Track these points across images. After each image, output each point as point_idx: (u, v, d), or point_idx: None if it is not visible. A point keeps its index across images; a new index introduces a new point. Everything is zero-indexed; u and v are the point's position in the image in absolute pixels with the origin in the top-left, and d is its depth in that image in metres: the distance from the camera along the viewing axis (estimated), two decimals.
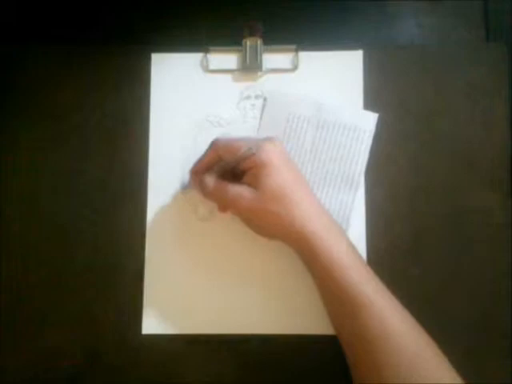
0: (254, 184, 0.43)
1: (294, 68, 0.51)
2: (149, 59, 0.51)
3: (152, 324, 0.47)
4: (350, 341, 0.42)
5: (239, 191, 0.43)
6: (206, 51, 0.51)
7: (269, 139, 0.44)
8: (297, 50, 0.51)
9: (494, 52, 0.51)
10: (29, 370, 0.47)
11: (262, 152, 0.43)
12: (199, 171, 0.46)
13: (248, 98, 0.51)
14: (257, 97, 0.51)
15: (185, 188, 0.49)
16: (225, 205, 0.46)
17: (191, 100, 0.51)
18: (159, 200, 0.49)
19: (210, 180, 0.45)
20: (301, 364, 0.47)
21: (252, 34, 0.51)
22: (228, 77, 0.51)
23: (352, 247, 0.43)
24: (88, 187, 0.50)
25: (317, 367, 0.47)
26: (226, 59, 0.51)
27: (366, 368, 0.40)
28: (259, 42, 0.50)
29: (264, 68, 0.51)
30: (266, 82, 0.51)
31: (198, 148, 0.50)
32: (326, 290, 0.43)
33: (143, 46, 0.51)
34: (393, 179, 0.49)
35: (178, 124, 0.51)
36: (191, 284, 0.48)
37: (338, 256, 0.41)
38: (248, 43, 0.50)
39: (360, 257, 0.43)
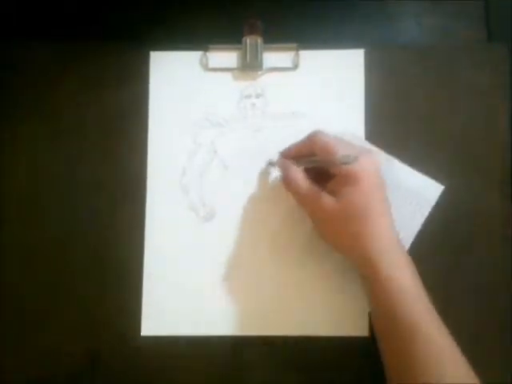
0: (338, 193, 0.42)
1: (295, 67, 0.51)
2: (147, 57, 0.51)
3: (151, 325, 0.47)
4: (400, 371, 0.41)
5: (320, 197, 0.42)
6: (206, 49, 0.51)
7: (369, 152, 0.43)
8: (297, 49, 0.50)
9: (495, 52, 0.50)
10: (29, 370, 0.47)
11: (359, 165, 0.41)
12: (288, 156, 0.45)
13: (248, 96, 0.51)
14: (257, 96, 0.50)
15: (271, 163, 0.48)
16: (303, 203, 0.45)
17: (190, 99, 0.51)
18: (159, 200, 0.49)
19: (295, 172, 0.44)
20: (301, 365, 0.47)
21: (252, 33, 0.50)
22: (228, 75, 0.51)
23: (414, 274, 0.41)
24: (87, 187, 0.49)
25: (318, 368, 0.47)
26: (225, 57, 0.51)
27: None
28: (259, 40, 0.50)
29: (264, 67, 0.50)
30: (266, 81, 0.51)
31: (197, 147, 0.50)
32: (383, 318, 0.42)
33: (142, 43, 0.51)
34: None
35: (177, 123, 0.50)
36: (191, 285, 0.48)
37: (403, 284, 0.40)
38: (248, 41, 0.50)
39: (421, 285, 0.41)
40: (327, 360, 0.47)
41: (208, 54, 0.51)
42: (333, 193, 0.42)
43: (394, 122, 0.50)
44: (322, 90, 0.50)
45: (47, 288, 0.48)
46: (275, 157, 0.48)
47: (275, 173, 0.49)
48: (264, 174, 0.49)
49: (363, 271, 0.43)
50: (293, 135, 0.49)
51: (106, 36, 0.52)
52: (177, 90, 0.51)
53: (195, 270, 0.48)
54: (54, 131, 0.50)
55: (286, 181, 0.45)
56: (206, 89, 0.51)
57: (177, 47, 0.51)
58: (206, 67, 0.51)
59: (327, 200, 0.42)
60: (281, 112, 0.50)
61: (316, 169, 0.45)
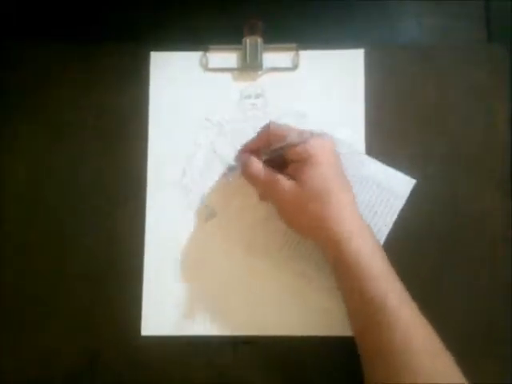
0: (297, 177, 0.42)
1: (295, 67, 0.51)
2: (148, 57, 0.51)
3: (151, 325, 0.47)
4: (370, 352, 0.41)
5: (280, 181, 0.43)
6: (206, 50, 0.51)
7: (320, 134, 0.43)
8: (297, 49, 0.51)
9: (494, 52, 0.50)
10: (29, 370, 0.47)
11: (310, 146, 0.42)
12: (247, 151, 0.46)
13: (248, 97, 0.51)
14: (257, 96, 0.50)
15: (229, 170, 0.49)
16: (264, 191, 0.45)
17: (190, 99, 0.51)
18: (159, 200, 0.49)
19: (255, 162, 0.44)
20: (301, 365, 0.47)
21: (252, 33, 0.50)
22: (228, 76, 0.51)
23: (381, 253, 0.41)
24: (87, 187, 0.49)
25: (318, 368, 0.47)
26: (225, 58, 0.51)
27: (384, 380, 0.39)
28: (259, 40, 0.50)
29: (264, 67, 0.50)
30: (266, 81, 0.51)
31: (197, 147, 0.50)
32: (350, 299, 0.42)
33: (142, 44, 0.51)
34: None
35: (178, 123, 0.50)
36: (191, 285, 0.48)
37: (365, 263, 0.40)
38: (248, 42, 0.50)
39: (388, 263, 0.41)
40: (326, 360, 0.47)
41: (208, 54, 0.51)
42: (292, 177, 0.43)
43: (394, 122, 0.50)
44: (321, 90, 0.50)
45: (47, 288, 0.48)
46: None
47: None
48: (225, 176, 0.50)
49: (329, 253, 0.43)
50: None
51: (106, 36, 0.52)
52: (177, 90, 0.51)
53: (195, 270, 0.48)
54: (54, 131, 0.50)
55: (246, 173, 0.45)
56: (206, 89, 0.51)
57: (177, 48, 0.51)
58: (206, 67, 0.51)
59: (286, 183, 0.42)
60: (281, 112, 0.50)
61: (276, 161, 0.45)
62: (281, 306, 0.47)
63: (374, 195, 0.48)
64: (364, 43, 0.51)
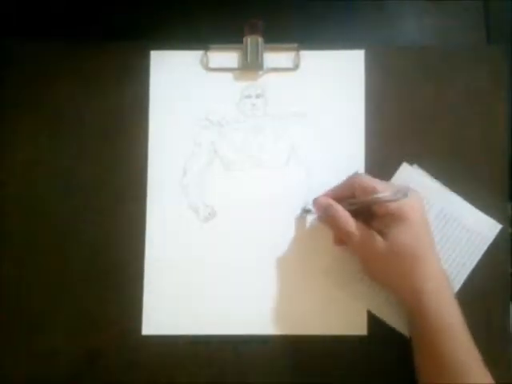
0: (386, 233, 0.42)
1: (296, 67, 0.50)
2: (148, 56, 0.51)
3: (152, 325, 0.47)
4: None
5: (369, 237, 0.42)
6: (207, 49, 0.51)
7: (411, 192, 0.42)
8: (298, 49, 0.50)
9: (494, 53, 0.51)
10: (29, 370, 0.47)
11: (404, 204, 0.41)
12: (328, 197, 0.45)
13: (248, 96, 0.50)
14: (257, 96, 0.50)
15: (304, 212, 0.48)
16: (349, 244, 0.44)
17: (191, 98, 0.51)
18: (159, 200, 0.49)
19: (342, 212, 0.43)
20: (301, 365, 0.47)
21: (253, 33, 0.50)
22: (228, 75, 0.51)
23: (458, 310, 0.42)
24: (87, 187, 0.49)
25: (317, 367, 0.47)
26: (226, 57, 0.51)
27: None
28: (260, 40, 0.50)
29: (265, 67, 0.50)
30: (266, 81, 0.51)
31: (197, 147, 0.50)
32: (426, 355, 0.42)
33: (142, 43, 0.51)
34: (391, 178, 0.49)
35: (178, 122, 0.50)
36: (191, 284, 0.48)
37: (449, 323, 0.41)
38: (249, 41, 0.50)
39: (466, 327, 0.41)
40: (326, 359, 0.47)
41: (209, 53, 0.51)
42: (379, 232, 0.42)
43: (394, 122, 0.50)
44: (322, 90, 0.50)
45: (47, 288, 0.48)
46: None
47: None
48: (299, 220, 0.49)
49: (409, 307, 0.43)
50: (293, 135, 0.50)
51: (107, 35, 0.51)
52: (177, 89, 0.51)
53: (195, 270, 0.48)
54: (54, 131, 0.50)
55: (329, 217, 0.44)
56: (207, 89, 0.51)
57: (177, 47, 0.51)
58: (206, 67, 0.51)
59: (376, 239, 0.42)
60: (281, 112, 0.50)
61: (355, 211, 0.44)
62: (281, 305, 0.48)
63: (460, 235, 0.47)
64: (364, 44, 0.50)
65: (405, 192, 0.41)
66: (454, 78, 0.50)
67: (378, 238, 0.42)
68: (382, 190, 0.42)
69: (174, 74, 0.51)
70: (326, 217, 0.45)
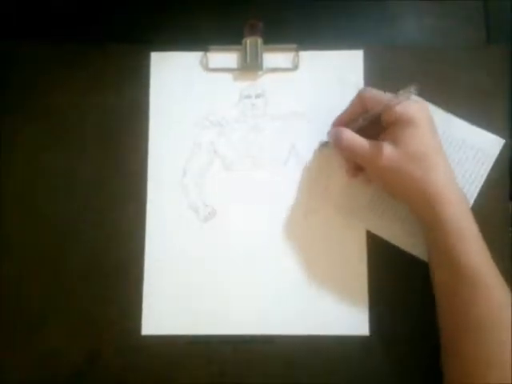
0: (395, 140, 0.42)
1: (295, 67, 0.51)
2: (148, 58, 0.51)
3: (152, 325, 0.47)
4: (458, 329, 0.41)
5: (379, 147, 0.42)
6: (206, 50, 0.51)
7: (417, 100, 0.43)
8: (297, 50, 0.51)
9: (494, 53, 0.51)
10: (29, 370, 0.47)
11: (410, 108, 0.42)
12: (340, 123, 0.46)
13: (248, 97, 0.51)
14: (257, 96, 0.51)
15: (322, 145, 0.49)
16: (360, 161, 0.45)
17: (191, 99, 0.51)
18: (159, 200, 0.49)
19: (348, 133, 0.44)
20: (301, 364, 0.47)
21: (252, 33, 0.50)
22: (228, 76, 0.51)
23: (473, 219, 0.42)
24: (87, 187, 0.49)
25: (318, 367, 0.47)
26: (226, 58, 0.51)
27: (471, 361, 0.39)
28: (259, 41, 0.50)
29: (264, 67, 0.50)
30: (266, 82, 0.51)
31: (197, 147, 0.50)
32: (444, 267, 0.42)
33: (142, 44, 0.51)
34: None
35: (178, 123, 0.50)
36: (191, 284, 0.48)
37: (465, 228, 0.41)
38: (248, 42, 0.50)
39: (478, 230, 0.42)
40: (327, 359, 0.47)
41: (208, 54, 0.51)
42: (389, 141, 0.43)
43: None
44: (321, 90, 0.50)
45: (47, 288, 0.48)
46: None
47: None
48: (318, 153, 0.50)
49: (425, 217, 0.43)
50: (293, 135, 0.50)
51: (107, 36, 0.52)
52: (177, 90, 0.51)
53: (195, 269, 0.48)
54: (54, 131, 0.50)
55: (341, 146, 0.45)
56: (207, 89, 0.51)
57: (177, 48, 0.51)
58: (206, 68, 0.51)
59: (388, 147, 0.42)
60: (281, 112, 0.50)
61: (367, 131, 0.45)
62: (281, 305, 0.48)
63: (465, 155, 0.48)
64: (364, 44, 0.51)
65: (409, 93, 0.42)
66: (453, 78, 0.50)
67: (390, 147, 0.42)
68: (391, 97, 0.43)
69: (174, 75, 0.51)
70: (339, 145, 0.45)
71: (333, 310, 0.47)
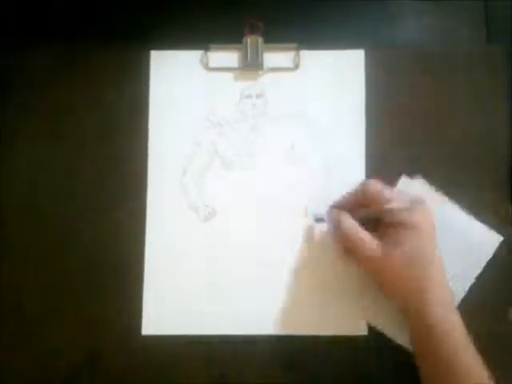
0: (394, 241, 0.42)
1: (295, 67, 0.50)
2: (148, 56, 0.51)
3: (152, 325, 0.47)
4: None
5: (382, 247, 0.42)
6: (207, 49, 0.51)
7: (422, 203, 0.43)
8: (298, 49, 0.50)
9: (494, 53, 0.51)
10: (29, 370, 0.47)
11: (415, 213, 0.42)
12: (339, 207, 0.45)
13: (249, 96, 0.50)
14: (257, 96, 0.50)
15: (317, 221, 0.48)
16: (356, 254, 0.43)
17: (191, 98, 0.51)
18: (159, 200, 0.49)
19: (349, 220, 0.43)
20: (301, 364, 0.47)
21: (253, 32, 0.50)
22: (228, 75, 0.51)
23: (460, 321, 0.42)
24: (87, 187, 0.49)
25: (317, 367, 0.47)
26: (226, 57, 0.51)
27: None
28: (260, 40, 0.50)
29: (265, 67, 0.50)
30: (266, 81, 0.51)
31: (197, 147, 0.50)
32: (425, 361, 0.43)
33: (142, 42, 0.51)
34: (392, 179, 0.49)
35: (178, 122, 0.50)
36: (191, 284, 0.48)
37: (446, 333, 0.41)
38: (249, 41, 0.50)
39: (466, 334, 0.42)
40: (326, 359, 0.47)
41: (209, 53, 0.51)
42: (382, 238, 0.42)
43: (394, 123, 0.50)
44: (322, 90, 0.50)
45: (47, 288, 0.48)
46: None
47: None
48: (309, 230, 0.49)
49: (409, 314, 0.43)
50: (293, 135, 0.50)
51: (107, 35, 0.51)
52: (177, 89, 0.51)
53: (195, 269, 0.48)
54: (54, 131, 0.50)
55: (338, 229, 0.44)
56: (207, 88, 0.51)
57: (177, 46, 0.51)
58: (206, 67, 0.51)
59: (388, 249, 0.42)
60: (281, 112, 0.50)
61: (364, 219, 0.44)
62: (281, 305, 0.48)
63: (461, 247, 0.47)
64: (364, 43, 0.50)
65: (418, 202, 0.42)
66: (454, 78, 0.50)
67: (390, 249, 0.42)
68: (396, 198, 0.43)
69: (174, 74, 0.51)
70: (336, 229, 0.44)
71: (332, 310, 0.47)
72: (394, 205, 0.42)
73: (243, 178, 0.50)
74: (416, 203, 0.42)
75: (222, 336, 0.47)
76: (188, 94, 0.51)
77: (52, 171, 0.50)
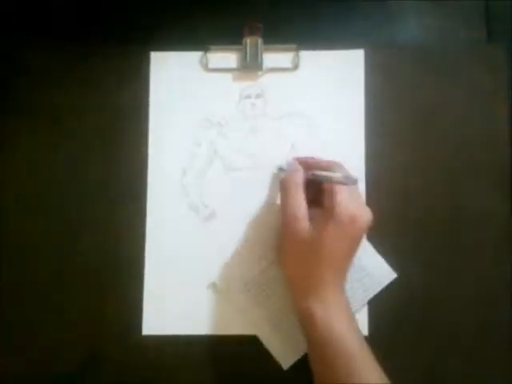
0: (318, 227, 0.41)
1: (295, 67, 0.51)
2: (148, 58, 0.51)
3: (152, 325, 0.47)
4: None
5: (302, 221, 0.42)
6: (206, 50, 0.51)
7: (367, 211, 0.43)
8: (297, 50, 0.51)
9: (494, 52, 0.50)
10: (29, 370, 0.47)
11: (351, 211, 0.41)
12: (303, 163, 0.46)
13: (248, 97, 0.51)
14: (257, 96, 0.50)
15: (279, 171, 0.48)
16: (284, 213, 0.44)
17: (191, 99, 0.51)
18: (159, 200, 0.49)
19: (300, 179, 0.43)
20: (302, 365, 0.47)
21: (252, 33, 0.50)
22: (228, 76, 0.51)
23: (356, 325, 0.42)
24: (87, 187, 0.49)
25: None
26: (225, 58, 0.51)
27: None
28: (259, 41, 0.50)
29: (264, 67, 0.50)
30: (266, 82, 0.51)
31: (197, 147, 0.50)
32: (316, 364, 0.43)
33: (142, 44, 0.51)
34: (392, 179, 0.49)
35: (178, 123, 0.50)
36: (191, 285, 0.48)
37: (337, 335, 0.41)
38: (248, 42, 0.50)
39: (361, 338, 0.42)
40: None
41: (208, 54, 0.51)
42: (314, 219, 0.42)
43: (394, 122, 0.50)
44: (322, 90, 0.50)
45: (47, 288, 0.48)
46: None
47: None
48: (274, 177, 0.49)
49: (302, 313, 0.43)
50: (293, 135, 0.50)
51: (107, 36, 0.52)
52: (177, 90, 0.51)
53: (195, 269, 0.48)
54: (54, 131, 0.50)
55: (288, 181, 0.44)
56: (206, 89, 0.51)
57: (177, 48, 0.51)
58: (206, 68, 0.51)
59: (305, 224, 0.42)
60: (281, 112, 0.50)
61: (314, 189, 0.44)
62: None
63: (356, 274, 0.47)
64: (364, 43, 0.51)
65: (355, 179, 0.42)
66: (454, 78, 0.50)
67: (310, 228, 0.41)
68: (337, 169, 0.43)
69: (174, 75, 0.51)
70: (288, 174, 0.45)
71: None
72: (333, 174, 0.42)
73: (243, 178, 0.50)
74: (354, 181, 0.42)
75: (222, 336, 0.47)
76: (188, 94, 0.51)
77: (52, 171, 0.50)
